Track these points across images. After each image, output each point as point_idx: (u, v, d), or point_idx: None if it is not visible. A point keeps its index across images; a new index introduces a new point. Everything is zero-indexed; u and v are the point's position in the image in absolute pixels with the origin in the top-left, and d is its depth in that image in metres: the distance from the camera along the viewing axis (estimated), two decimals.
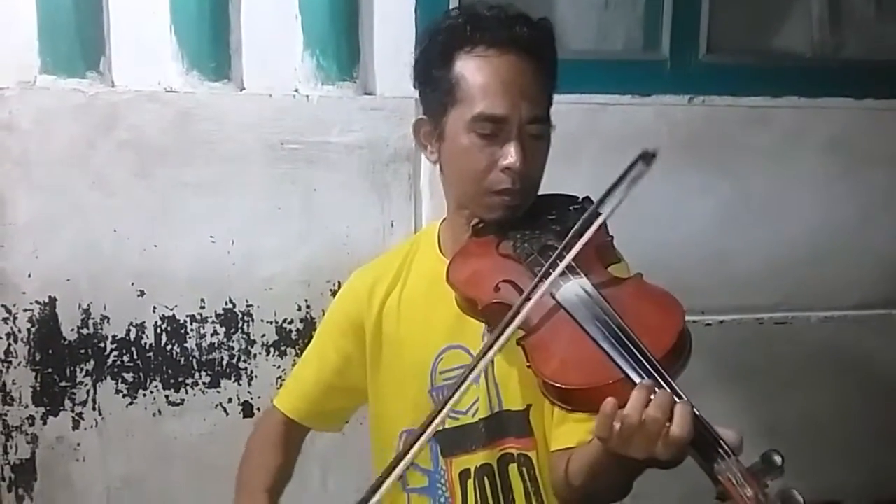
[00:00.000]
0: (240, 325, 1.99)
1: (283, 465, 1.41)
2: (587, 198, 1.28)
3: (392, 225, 2.03)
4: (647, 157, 1.10)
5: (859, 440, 2.37)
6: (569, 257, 1.08)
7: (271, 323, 2.01)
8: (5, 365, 1.90)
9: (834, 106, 2.28)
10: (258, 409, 2.01)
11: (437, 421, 1.03)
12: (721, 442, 0.88)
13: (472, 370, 1.04)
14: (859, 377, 2.37)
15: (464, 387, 1.04)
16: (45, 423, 1.94)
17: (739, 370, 2.26)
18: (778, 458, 0.85)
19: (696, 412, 0.90)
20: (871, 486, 2.42)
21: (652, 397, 0.90)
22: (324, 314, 1.97)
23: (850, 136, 2.28)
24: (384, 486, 1.00)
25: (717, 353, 2.19)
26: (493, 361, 1.25)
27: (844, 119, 2.28)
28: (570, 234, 1.11)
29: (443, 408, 1.04)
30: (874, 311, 2.37)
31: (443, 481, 1.32)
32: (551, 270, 1.08)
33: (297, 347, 2.01)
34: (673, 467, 0.92)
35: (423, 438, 1.02)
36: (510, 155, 1.18)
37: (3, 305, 1.89)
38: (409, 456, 1.02)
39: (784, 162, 2.25)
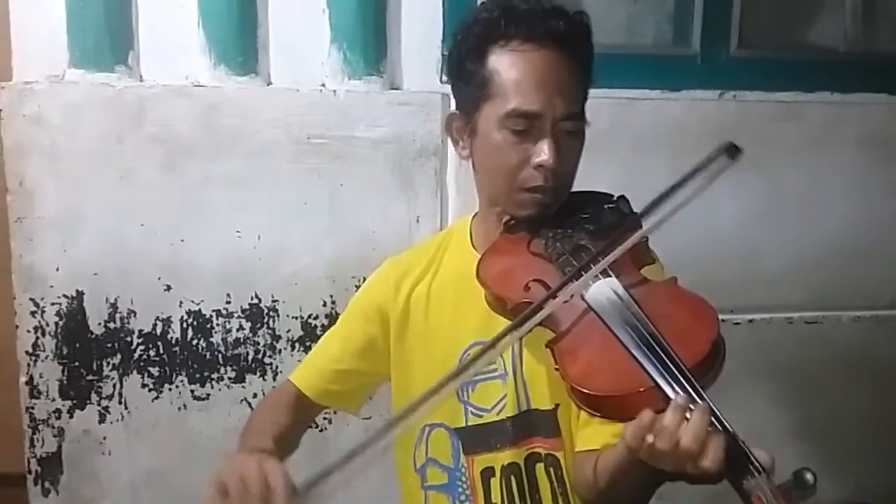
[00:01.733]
0: (265, 320, 1.99)
1: (288, 427, 1.35)
2: (622, 196, 1.26)
3: (418, 220, 2.02)
4: (731, 151, 1.05)
5: (889, 442, 2.33)
6: (603, 262, 1.05)
7: (296, 318, 2.01)
8: (33, 358, 1.91)
9: (867, 101, 2.25)
10: None
11: (443, 389, 1.02)
12: (752, 458, 0.86)
13: (488, 349, 1.03)
14: (890, 378, 2.33)
15: (476, 367, 1.02)
16: (71, 417, 1.95)
17: (768, 370, 2.23)
18: (810, 477, 0.84)
19: (728, 426, 0.88)
20: None
21: (687, 415, 0.88)
22: None
23: (883, 131, 2.25)
24: (354, 462, 0.98)
25: (745, 352, 2.16)
26: (521, 360, 1.24)
27: (878, 114, 2.25)
28: (609, 240, 1.08)
29: (451, 378, 1.02)
30: None
31: (463, 479, 1.30)
32: (583, 272, 1.05)
33: None
34: (702, 484, 0.91)
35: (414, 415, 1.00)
36: (543, 152, 1.17)
37: (31, 299, 1.89)
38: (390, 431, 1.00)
39: (816, 158, 2.22)
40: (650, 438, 0.89)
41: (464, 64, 1.22)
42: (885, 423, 2.32)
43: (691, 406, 0.89)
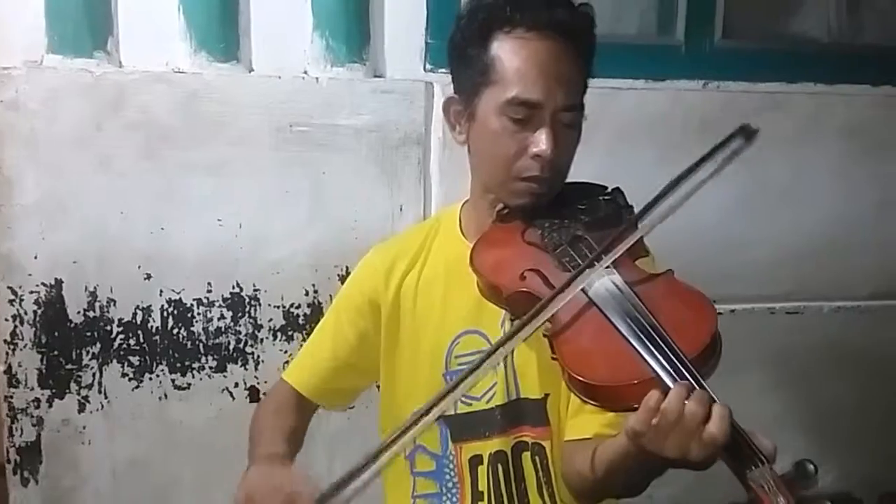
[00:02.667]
0: (247, 309, 1.98)
1: (295, 427, 1.37)
2: (617, 188, 1.26)
3: (401, 209, 2.01)
4: (748, 133, 1.06)
5: (869, 431, 2.36)
6: (612, 255, 1.05)
7: (278, 307, 1.99)
8: (11, 347, 1.89)
9: (851, 92, 2.26)
10: (264, 393, 2.00)
11: (445, 401, 1.00)
12: (755, 448, 0.87)
13: (490, 354, 1.02)
14: (871, 368, 2.35)
15: (478, 371, 1.01)
16: (50, 406, 1.93)
17: (751, 359, 2.24)
18: (812, 468, 0.84)
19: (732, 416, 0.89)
20: (881, 477, 2.41)
21: (691, 393, 0.89)
22: (331, 299, 1.95)
23: (866, 123, 2.26)
24: (382, 459, 0.97)
25: (728, 342, 2.14)
26: (513, 350, 1.24)
27: (861, 106, 2.25)
28: (613, 235, 1.08)
29: (454, 388, 1.01)
30: (887, 301, 2.35)
31: (451, 466, 1.31)
32: (588, 269, 1.05)
33: (304, 332, 2.00)
34: (702, 469, 0.91)
35: (429, 417, 0.99)
36: (542, 142, 1.16)
37: (9, 287, 1.87)
38: (410, 433, 0.98)
39: (800, 149, 2.23)
40: (656, 420, 0.89)
41: (466, 48, 1.22)
42: (866, 412, 2.35)
43: (691, 391, 0.90)
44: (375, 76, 2.00)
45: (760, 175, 2.21)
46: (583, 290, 1.05)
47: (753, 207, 2.22)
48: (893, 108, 2.26)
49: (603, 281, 1.06)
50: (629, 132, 2.07)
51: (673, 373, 0.92)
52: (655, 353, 0.94)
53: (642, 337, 0.96)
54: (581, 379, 0.97)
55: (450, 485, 1.31)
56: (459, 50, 1.24)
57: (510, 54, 1.17)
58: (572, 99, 1.19)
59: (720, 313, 2.18)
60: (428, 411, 0.99)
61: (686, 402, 0.88)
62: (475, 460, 1.29)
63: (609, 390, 0.96)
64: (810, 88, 2.23)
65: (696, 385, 0.90)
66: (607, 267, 1.07)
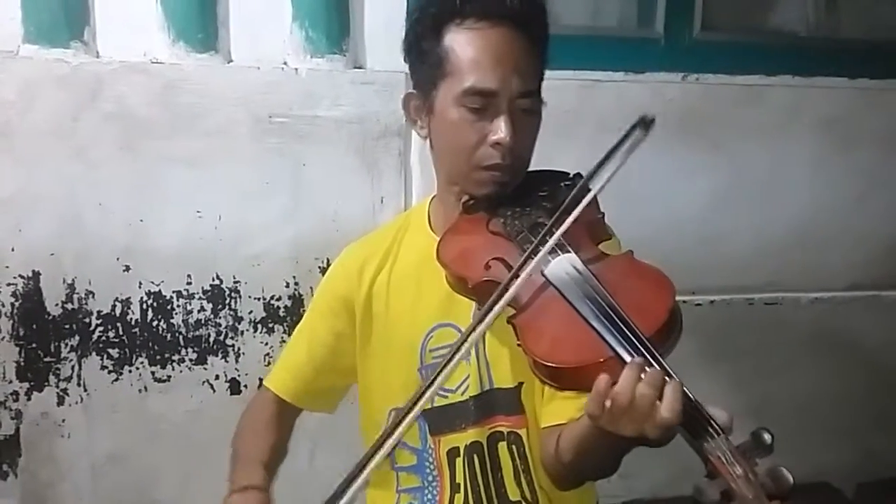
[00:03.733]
0: (227, 301, 1.97)
1: (276, 443, 1.39)
2: (578, 174, 1.27)
3: (382, 201, 2.01)
4: (645, 123, 1.08)
5: (847, 421, 2.39)
6: (558, 233, 1.07)
7: (259, 299, 1.99)
8: None
9: (828, 85, 2.28)
10: (245, 385, 2.00)
11: (424, 398, 1.01)
12: (711, 420, 0.87)
13: (459, 347, 1.03)
14: (848, 358, 2.38)
15: (452, 364, 1.02)
16: (29, 399, 1.92)
17: (729, 350, 2.27)
18: (767, 437, 0.85)
19: (686, 390, 0.89)
20: (858, 466, 2.44)
21: (643, 375, 0.89)
22: (312, 291, 1.95)
23: (843, 115, 2.28)
24: (372, 464, 0.99)
25: (706, 332, 2.19)
26: (484, 339, 1.24)
27: (838, 98, 2.28)
28: (560, 209, 1.09)
29: (430, 385, 1.02)
30: (864, 292, 2.38)
31: (431, 459, 1.31)
32: (540, 247, 1.07)
33: (284, 324, 2.00)
34: (662, 446, 0.92)
35: (410, 416, 1.00)
36: (500, 130, 1.17)
37: None
38: (396, 434, 1.00)
39: (777, 141, 2.25)
40: (608, 402, 0.90)
41: (420, 43, 1.22)
42: (844, 402, 2.37)
43: (646, 368, 0.90)
44: (356, 67, 2.00)
45: (738, 166, 2.23)
46: (542, 273, 1.06)
47: (732, 199, 2.24)
48: (870, 101, 2.29)
49: (562, 264, 1.06)
50: (609, 124, 2.07)
51: (632, 351, 0.92)
52: (614, 332, 0.94)
53: (601, 317, 0.97)
54: (542, 362, 0.98)
55: (430, 478, 1.32)
56: (414, 45, 1.24)
57: (463, 45, 1.18)
58: (528, 85, 1.19)
59: (699, 304, 2.23)
60: (409, 411, 1.00)
61: (638, 384, 0.89)
62: (453, 452, 1.29)
63: (570, 372, 0.96)
64: (788, 81, 2.25)
65: (652, 362, 0.91)
66: (566, 249, 1.08)
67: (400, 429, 1.00)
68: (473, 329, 1.04)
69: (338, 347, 1.38)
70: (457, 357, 1.03)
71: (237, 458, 1.35)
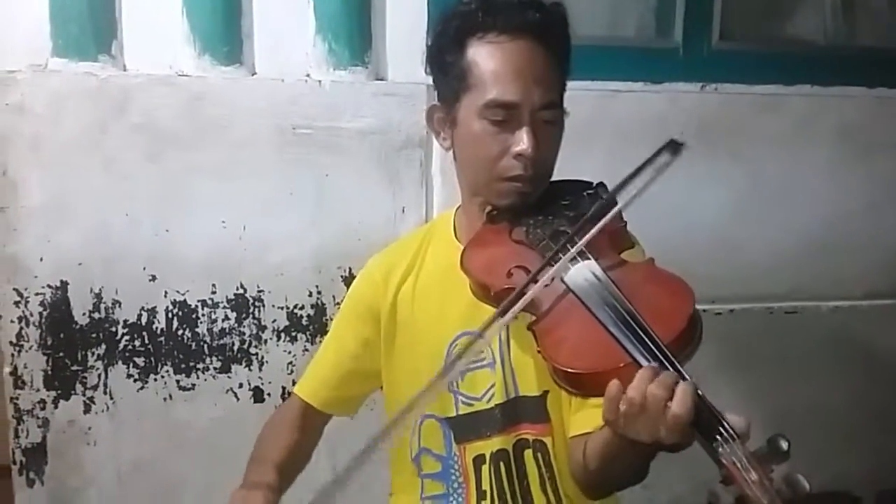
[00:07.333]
0: (251, 310, 1.99)
1: (295, 444, 1.40)
2: (601, 183, 1.28)
3: (403, 211, 2.02)
4: (674, 147, 1.10)
5: (866, 430, 2.37)
6: (580, 244, 1.08)
7: (282, 308, 2.01)
8: (17, 349, 1.90)
9: (846, 94, 2.27)
10: (268, 394, 2.02)
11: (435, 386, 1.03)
12: (725, 424, 0.88)
13: (473, 342, 1.06)
14: (868, 367, 2.36)
15: (466, 358, 1.04)
16: (56, 407, 1.94)
17: (748, 359, 2.26)
18: (784, 443, 0.85)
19: (701, 394, 0.90)
20: (878, 475, 2.43)
21: (655, 378, 0.91)
22: (334, 300, 1.98)
23: (862, 124, 2.27)
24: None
25: (726, 341, 2.19)
26: (509, 348, 1.26)
27: (857, 107, 2.27)
28: (581, 221, 1.11)
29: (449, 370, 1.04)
30: (884, 300, 2.37)
31: (456, 467, 1.33)
32: (561, 255, 1.08)
33: (307, 333, 2.01)
34: (680, 450, 0.93)
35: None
36: (522, 141, 1.19)
37: (14, 289, 1.88)
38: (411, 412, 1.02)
39: (796, 150, 2.25)
40: (623, 407, 0.91)
41: (443, 56, 1.25)
42: (864, 410, 2.36)
43: (660, 371, 0.92)
44: (377, 79, 2.01)
45: (757, 176, 2.23)
46: (563, 281, 1.07)
47: (749, 208, 2.24)
48: (889, 109, 2.28)
49: (582, 271, 1.08)
50: (627, 134, 2.09)
51: (650, 358, 0.93)
52: (633, 339, 0.96)
53: (620, 324, 0.98)
54: (560, 367, 0.99)
55: (455, 485, 1.33)
56: (437, 58, 1.27)
57: (485, 58, 1.20)
58: (549, 97, 1.21)
59: (718, 313, 2.23)
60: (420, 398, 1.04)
61: (649, 385, 0.90)
62: (479, 460, 1.31)
63: (588, 378, 0.98)
64: (806, 90, 2.25)
65: (668, 366, 0.92)
66: (586, 256, 1.09)
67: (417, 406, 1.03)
68: (488, 326, 1.07)
69: (364, 354, 1.40)
70: (473, 349, 1.08)
71: (252, 456, 1.38)
